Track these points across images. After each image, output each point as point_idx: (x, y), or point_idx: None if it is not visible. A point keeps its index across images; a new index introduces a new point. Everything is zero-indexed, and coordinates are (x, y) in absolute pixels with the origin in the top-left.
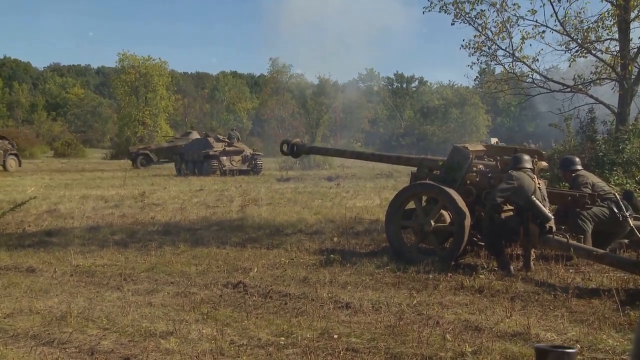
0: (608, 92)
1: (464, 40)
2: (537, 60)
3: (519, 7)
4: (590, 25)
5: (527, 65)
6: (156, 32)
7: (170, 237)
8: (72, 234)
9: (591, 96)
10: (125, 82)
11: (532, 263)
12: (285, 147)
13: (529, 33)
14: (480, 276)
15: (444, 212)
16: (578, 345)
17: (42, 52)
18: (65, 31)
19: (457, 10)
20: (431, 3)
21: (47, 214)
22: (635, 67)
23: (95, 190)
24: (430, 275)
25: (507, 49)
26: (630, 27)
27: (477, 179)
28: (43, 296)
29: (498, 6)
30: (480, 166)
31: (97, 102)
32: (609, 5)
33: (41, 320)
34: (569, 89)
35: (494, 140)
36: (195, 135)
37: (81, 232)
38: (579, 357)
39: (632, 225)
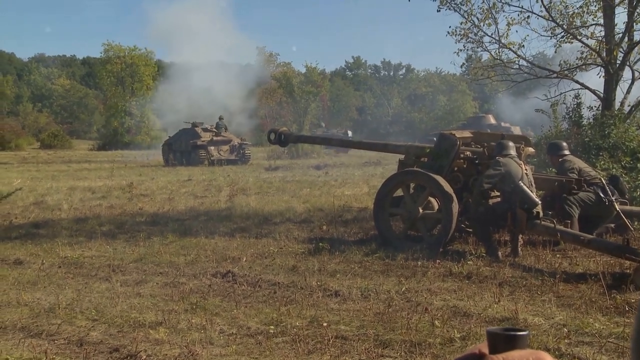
0: (594, 78)
1: (450, 27)
2: (523, 46)
3: None
4: (576, 11)
5: (513, 51)
6: (142, 21)
7: (158, 228)
8: (59, 226)
9: (577, 82)
10: (111, 73)
11: (519, 249)
12: (272, 136)
13: (514, 19)
14: (469, 262)
15: (431, 199)
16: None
17: (27, 43)
18: (49, 21)
19: None
20: None
21: (34, 206)
22: (620, 52)
23: (83, 182)
24: (419, 262)
25: (493, 36)
26: (615, 12)
27: (465, 166)
28: (31, 288)
29: None
30: (468, 153)
31: (83, 93)
32: None
33: (29, 312)
34: (555, 75)
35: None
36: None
37: (69, 224)
38: (566, 340)
39: (618, 209)
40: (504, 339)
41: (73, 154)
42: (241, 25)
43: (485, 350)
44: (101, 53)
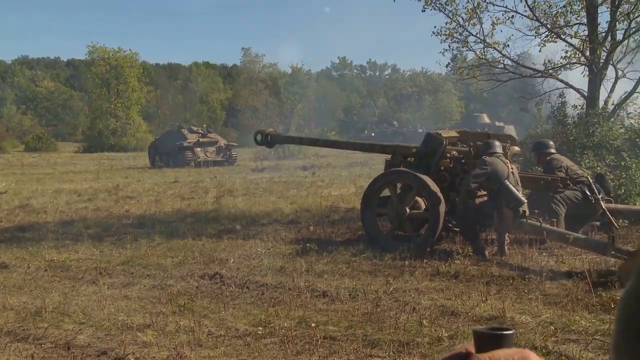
0: (578, 77)
1: (435, 27)
2: (508, 45)
3: None
4: (559, 10)
5: (498, 51)
6: (126, 23)
7: (145, 230)
8: (45, 229)
9: (561, 80)
10: (96, 75)
11: (506, 247)
12: (259, 137)
13: (499, 19)
14: (456, 262)
15: (418, 198)
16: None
17: (10, 45)
18: (33, 23)
19: None
20: None
21: (19, 209)
22: (604, 51)
23: (68, 184)
24: (406, 262)
25: (478, 35)
26: (598, 12)
27: (451, 165)
28: (17, 292)
29: None
30: (454, 152)
31: (67, 95)
32: None
33: (15, 316)
34: (539, 74)
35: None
36: None
37: (55, 227)
38: (552, 338)
39: (604, 207)
40: (490, 338)
41: (58, 156)
42: (225, 25)
43: (472, 349)
44: (86, 55)
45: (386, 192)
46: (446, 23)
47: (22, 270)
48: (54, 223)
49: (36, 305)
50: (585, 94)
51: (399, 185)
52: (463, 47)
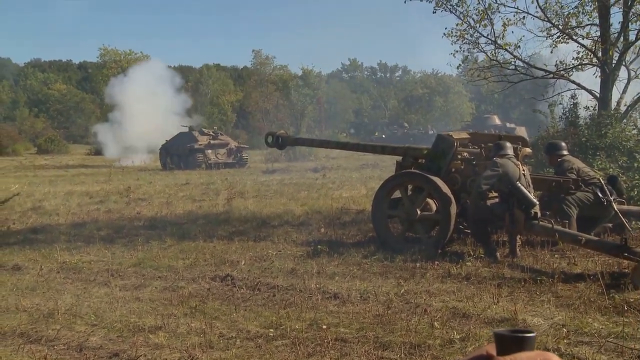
0: (590, 78)
1: (446, 28)
2: (519, 47)
3: None
4: (571, 11)
5: (509, 52)
6: (137, 26)
7: (156, 232)
8: (57, 231)
9: (573, 82)
10: (108, 77)
11: (518, 249)
12: (270, 139)
13: (510, 20)
14: (467, 263)
15: (429, 200)
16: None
17: (22, 48)
18: (45, 26)
19: None
20: None
21: (32, 211)
22: (616, 52)
23: (80, 186)
24: (418, 264)
25: (489, 36)
26: (610, 12)
27: (462, 167)
28: (29, 294)
29: None
30: (465, 154)
31: (79, 97)
32: None
33: (28, 318)
34: (551, 75)
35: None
36: None
37: (67, 229)
38: (565, 340)
39: (616, 209)
40: (512, 341)
41: (70, 158)
42: (235, 28)
43: (493, 351)
44: (97, 57)
45: (397, 194)
46: (457, 24)
47: (34, 272)
48: (66, 225)
49: (49, 307)
50: (597, 95)
51: (410, 187)
52: (474, 49)
